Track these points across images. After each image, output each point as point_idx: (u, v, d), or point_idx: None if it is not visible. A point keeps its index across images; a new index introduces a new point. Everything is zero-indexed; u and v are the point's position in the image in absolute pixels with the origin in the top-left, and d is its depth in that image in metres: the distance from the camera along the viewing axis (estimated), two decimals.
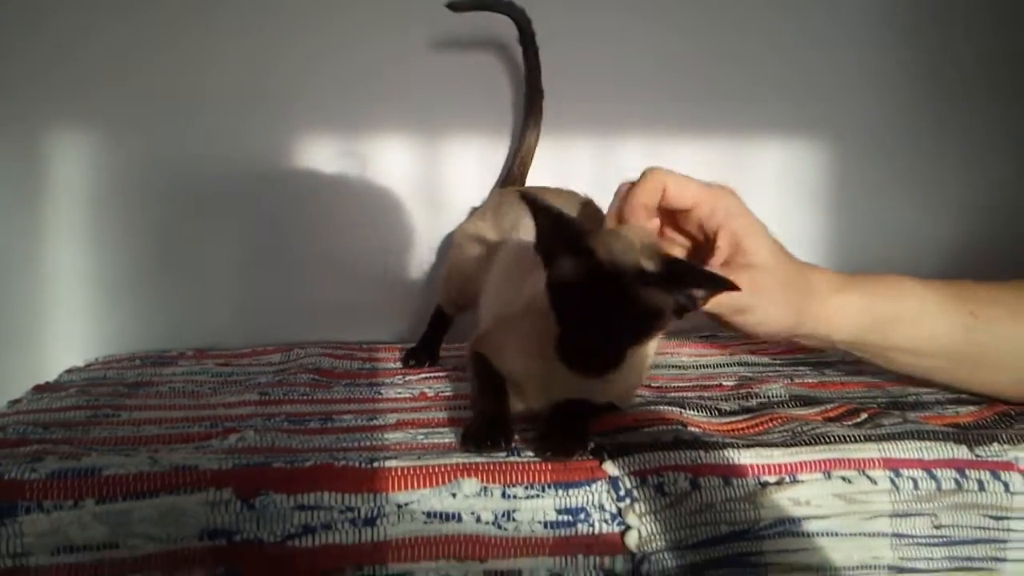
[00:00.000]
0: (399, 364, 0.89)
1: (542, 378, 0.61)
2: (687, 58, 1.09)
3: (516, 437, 0.57)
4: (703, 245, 0.63)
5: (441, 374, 0.83)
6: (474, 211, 1.00)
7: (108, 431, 0.63)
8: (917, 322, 0.66)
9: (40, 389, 0.77)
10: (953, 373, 0.69)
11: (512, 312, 0.67)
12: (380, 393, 0.75)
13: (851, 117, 1.14)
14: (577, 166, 1.08)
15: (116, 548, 0.48)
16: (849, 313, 0.65)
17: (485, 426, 0.56)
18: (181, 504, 0.48)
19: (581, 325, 0.54)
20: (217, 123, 1.03)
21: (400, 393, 0.75)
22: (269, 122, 1.04)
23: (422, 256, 1.08)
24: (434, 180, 1.08)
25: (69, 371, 0.87)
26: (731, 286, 0.53)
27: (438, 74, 1.05)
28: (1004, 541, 0.55)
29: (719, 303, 0.58)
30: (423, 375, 0.83)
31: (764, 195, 1.10)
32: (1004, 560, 0.55)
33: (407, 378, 0.81)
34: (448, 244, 1.01)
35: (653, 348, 0.68)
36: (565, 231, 0.57)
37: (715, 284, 0.55)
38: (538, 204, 0.57)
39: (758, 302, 0.61)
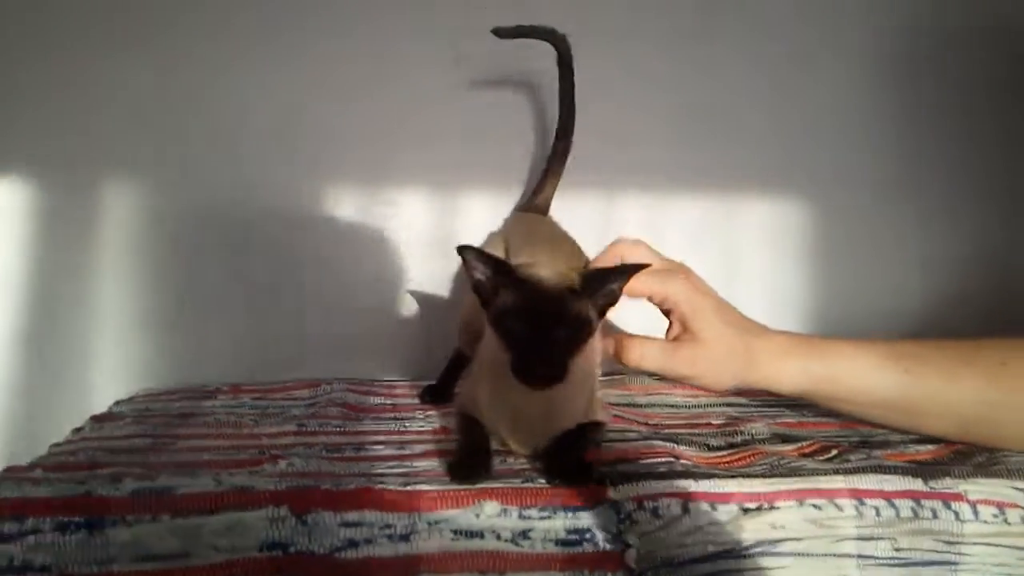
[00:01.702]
0: (416, 400, 0.96)
1: (511, 419, 0.69)
2: (680, 119, 1.18)
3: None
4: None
5: None
6: None
7: (169, 456, 0.70)
8: (853, 379, 0.75)
9: (98, 419, 0.84)
10: (897, 420, 0.78)
11: (477, 368, 0.75)
12: (405, 426, 0.83)
13: (837, 174, 1.21)
14: (579, 220, 1.15)
15: (188, 557, 0.54)
16: (787, 376, 0.75)
17: (465, 459, 0.65)
18: (244, 519, 0.55)
19: (528, 345, 0.63)
20: (249, 171, 1.11)
21: (423, 426, 0.83)
22: (299, 170, 1.12)
23: (436, 299, 1.16)
24: (449, 227, 1.16)
25: (118, 403, 0.94)
26: (634, 269, 0.65)
27: (457, 128, 1.13)
28: (956, 563, 0.62)
29: (667, 371, 0.71)
30: (441, 411, 0.90)
31: (752, 251, 1.19)
32: None
33: (427, 413, 0.89)
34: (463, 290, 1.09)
35: (597, 359, 0.74)
36: (501, 269, 0.65)
37: (624, 275, 0.65)
38: (470, 251, 0.65)
39: (697, 373, 0.72)
